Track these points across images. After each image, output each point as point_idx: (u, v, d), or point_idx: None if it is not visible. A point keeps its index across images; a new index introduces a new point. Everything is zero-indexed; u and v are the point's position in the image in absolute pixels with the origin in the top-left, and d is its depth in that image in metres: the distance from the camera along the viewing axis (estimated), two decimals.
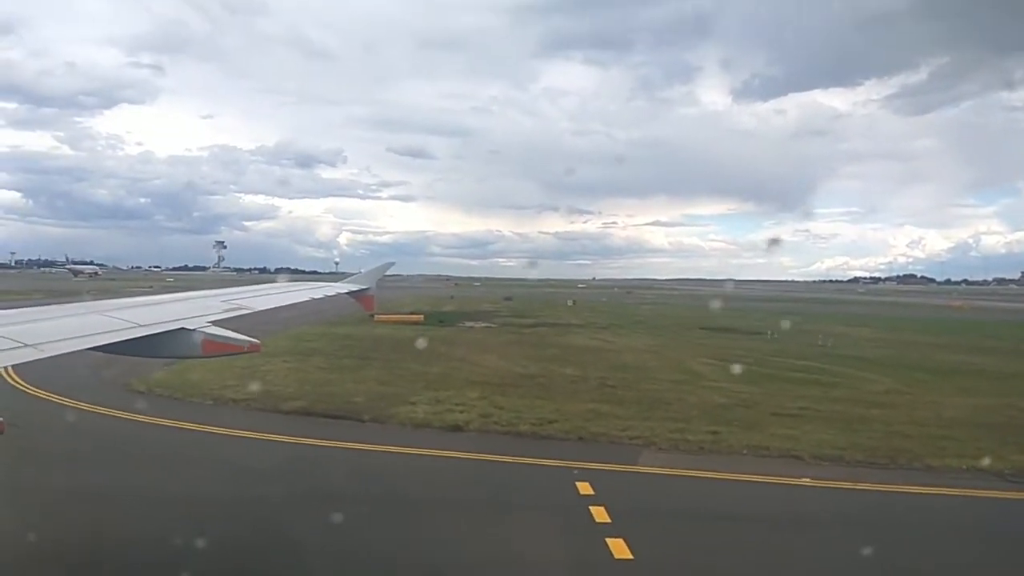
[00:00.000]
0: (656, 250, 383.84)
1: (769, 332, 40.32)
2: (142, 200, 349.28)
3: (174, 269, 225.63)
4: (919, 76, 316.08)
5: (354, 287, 14.28)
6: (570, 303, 76.06)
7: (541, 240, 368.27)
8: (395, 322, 48.64)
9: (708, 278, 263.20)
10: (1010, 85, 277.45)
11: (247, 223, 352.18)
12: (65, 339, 6.05)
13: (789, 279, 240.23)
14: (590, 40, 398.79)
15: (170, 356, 7.73)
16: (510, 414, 16.69)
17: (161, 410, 17.30)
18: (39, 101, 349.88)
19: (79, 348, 6.11)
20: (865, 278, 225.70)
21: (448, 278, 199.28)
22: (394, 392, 19.50)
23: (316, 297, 13.20)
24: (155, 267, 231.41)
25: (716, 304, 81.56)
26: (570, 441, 14.90)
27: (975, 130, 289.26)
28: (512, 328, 44.85)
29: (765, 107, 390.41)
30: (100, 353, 7.41)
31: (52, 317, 7.27)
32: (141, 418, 16.58)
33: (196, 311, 8.30)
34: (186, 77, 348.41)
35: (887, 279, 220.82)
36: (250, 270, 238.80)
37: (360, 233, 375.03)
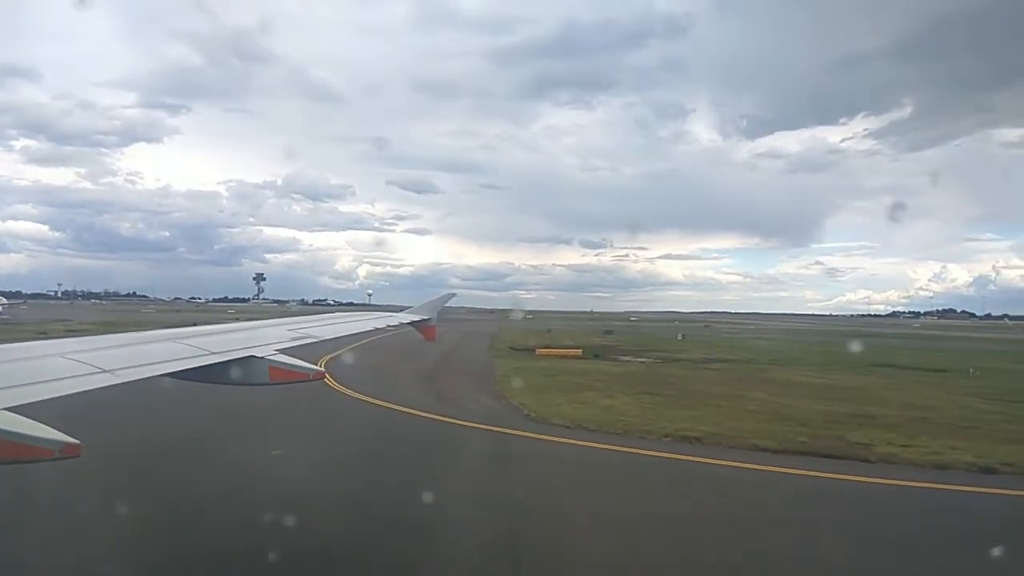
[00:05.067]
0: (673, 283, 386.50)
1: (970, 370, 41.24)
2: (164, 233, 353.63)
3: (215, 300, 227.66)
4: (903, 114, 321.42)
5: (416, 317, 14.27)
6: (680, 337, 77.15)
7: (557, 272, 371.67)
8: (558, 356, 50.00)
9: (733, 311, 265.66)
10: (997, 122, 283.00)
11: (268, 255, 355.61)
12: (141, 365, 6.25)
13: (814, 312, 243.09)
14: (577, 82, 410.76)
15: (238, 383, 7.40)
16: (981, 454, 17.43)
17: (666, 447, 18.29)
18: (60, 139, 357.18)
19: (154, 374, 6.24)
20: (905, 312, 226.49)
21: (492, 311, 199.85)
22: (805, 431, 20.28)
23: (379, 327, 13.40)
24: (196, 298, 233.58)
25: (814, 339, 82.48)
26: None
27: (977, 165, 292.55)
28: (693, 364, 45.78)
29: (761, 144, 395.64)
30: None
31: (128, 344, 7.52)
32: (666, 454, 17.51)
33: (264, 339, 8.49)
34: (199, 118, 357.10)
35: (926, 313, 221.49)
36: (288, 301, 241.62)
37: (379, 265, 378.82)
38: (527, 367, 39.87)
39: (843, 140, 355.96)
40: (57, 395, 4.96)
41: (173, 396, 17.34)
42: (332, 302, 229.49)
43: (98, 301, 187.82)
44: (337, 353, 40.86)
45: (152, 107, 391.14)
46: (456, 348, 54.05)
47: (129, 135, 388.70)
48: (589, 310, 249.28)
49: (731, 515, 13.10)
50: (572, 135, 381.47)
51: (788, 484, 15.28)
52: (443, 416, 21.85)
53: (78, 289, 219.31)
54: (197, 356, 7.00)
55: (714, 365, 45.42)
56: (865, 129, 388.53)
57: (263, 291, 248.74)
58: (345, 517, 12.29)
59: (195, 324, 11.27)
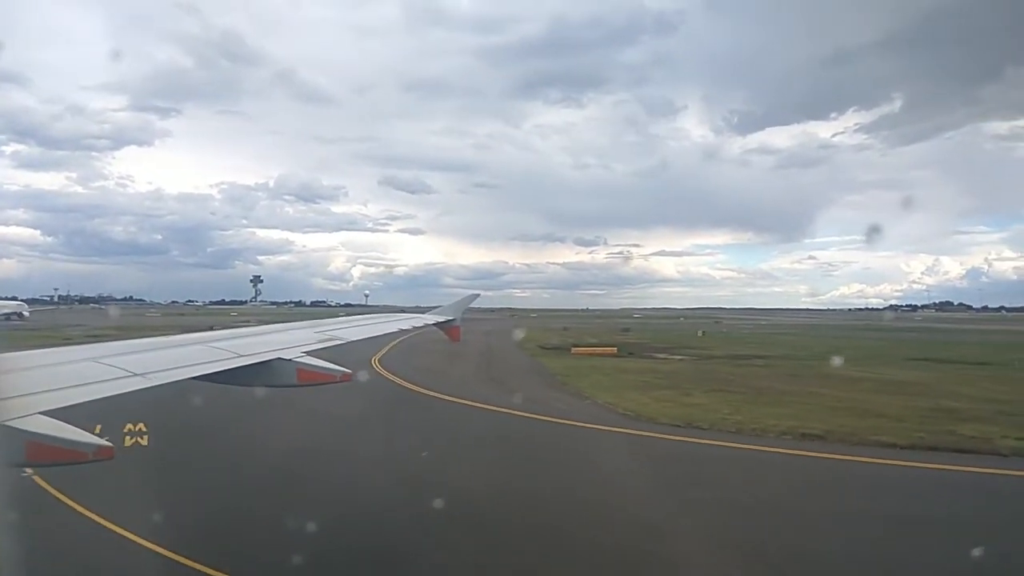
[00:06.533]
0: (667, 279, 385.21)
1: (1016, 362, 41.55)
2: (157, 236, 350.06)
3: (212, 303, 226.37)
4: (893, 107, 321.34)
5: (441, 318, 14.39)
6: (700, 334, 77.37)
7: (551, 271, 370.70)
8: (594, 354, 49.99)
9: (728, 307, 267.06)
10: (987, 115, 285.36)
11: (261, 257, 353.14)
12: (172, 368, 6.31)
13: (809, 307, 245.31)
14: (567, 80, 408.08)
15: (267, 385, 7.48)
16: None
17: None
18: (50, 143, 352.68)
19: (185, 377, 6.30)
20: (902, 306, 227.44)
21: (492, 310, 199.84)
22: (911, 427, 20.32)
23: (404, 328, 13.55)
24: (192, 301, 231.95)
25: (831, 334, 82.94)
26: None
27: (968, 158, 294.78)
28: (735, 361, 45.81)
29: (752, 140, 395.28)
30: None
31: (159, 348, 7.61)
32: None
33: (291, 342, 8.55)
34: (190, 121, 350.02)
35: (923, 307, 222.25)
36: (286, 303, 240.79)
37: (373, 265, 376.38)
38: (576, 365, 39.91)
39: (834, 135, 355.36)
40: (92, 398, 5.02)
41: (257, 402, 17.45)
42: (334, 303, 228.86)
43: (96, 306, 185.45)
44: (381, 354, 40.85)
45: (142, 110, 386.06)
46: (488, 348, 53.85)
47: (120, 138, 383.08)
48: (584, 308, 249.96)
49: (963, 516, 12.98)
50: (564, 133, 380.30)
51: (964, 481, 15.23)
52: (545, 416, 21.84)
53: (73, 294, 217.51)
54: (226, 359, 7.04)
55: (756, 362, 45.48)
56: (856, 124, 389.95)
57: (260, 293, 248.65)
58: (593, 523, 12.23)
59: (212, 328, 11.31)
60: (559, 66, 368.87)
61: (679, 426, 20.25)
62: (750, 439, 18.70)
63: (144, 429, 18.07)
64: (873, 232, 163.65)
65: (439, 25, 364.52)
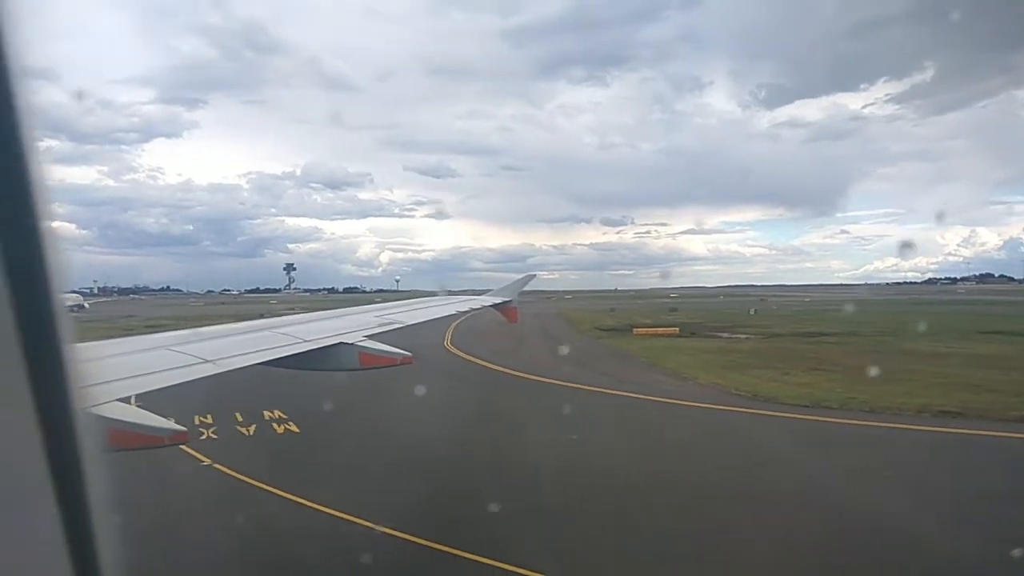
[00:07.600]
0: (697, 258, 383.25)
1: None
2: (188, 227, 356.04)
3: (247, 292, 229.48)
4: (925, 77, 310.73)
5: (497, 300, 14.63)
6: (752, 312, 76.78)
7: (578, 252, 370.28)
8: (657, 335, 49.80)
9: (759, 284, 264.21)
10: (1021, 82, 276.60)
11: (291, 245, 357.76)
12: (240, 354, 6.54)
13: (844, 282, 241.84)
14: (591, 58, 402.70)
15: (330, 369, 7.59)
16: None
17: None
18: (81, 138, 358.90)
19: (254, 363, 6.51)
20: (941, 279, 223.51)
21: (524, 292, 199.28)
22: None
23: (462, 311, 13.74)
24: (227, 290, 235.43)
25: (886, 308, 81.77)
26: None
27: (1003, 126, 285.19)
28: (803, 339, 45.22)
29: (781, 113, 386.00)
30: None
31: (224, 335, 7.83)
32: None
33: (352, 327, 8.74)
34: (217, 112, 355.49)
35: (963, 279, 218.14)
36: (319, 290, 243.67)
37: (401, 251, 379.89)
38: (648, 346, 39.79)
39: (865, 106, 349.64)
40: (168, 384, 5.19)
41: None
42: (368, 290, 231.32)
43: (137, 296, 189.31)
44: (448, 337, 41.07)
45: (170, 102, 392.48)
46: (548, 330, 53.80)
47: (148, 131, 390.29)
48: (613, 288, 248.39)
49: None
50: (589, 113, 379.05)
51: None
52: (666, 398, 21.84)
53: (111, 285, 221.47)
54: (291, 344, 7.30)
55: (826, 339, 44.84)
56: (887, 94, 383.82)
57: (294, 281, 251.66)
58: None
59: (262, 316, 11.31)
60: (582, 44, 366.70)
61: (808, 406, 20.08)
62: (895, 418, 18.46)
63: (284, 416, 18.37)
64: (905, 248, 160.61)
65: (460, 8, 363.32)
